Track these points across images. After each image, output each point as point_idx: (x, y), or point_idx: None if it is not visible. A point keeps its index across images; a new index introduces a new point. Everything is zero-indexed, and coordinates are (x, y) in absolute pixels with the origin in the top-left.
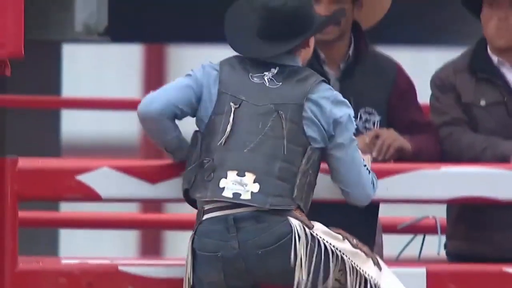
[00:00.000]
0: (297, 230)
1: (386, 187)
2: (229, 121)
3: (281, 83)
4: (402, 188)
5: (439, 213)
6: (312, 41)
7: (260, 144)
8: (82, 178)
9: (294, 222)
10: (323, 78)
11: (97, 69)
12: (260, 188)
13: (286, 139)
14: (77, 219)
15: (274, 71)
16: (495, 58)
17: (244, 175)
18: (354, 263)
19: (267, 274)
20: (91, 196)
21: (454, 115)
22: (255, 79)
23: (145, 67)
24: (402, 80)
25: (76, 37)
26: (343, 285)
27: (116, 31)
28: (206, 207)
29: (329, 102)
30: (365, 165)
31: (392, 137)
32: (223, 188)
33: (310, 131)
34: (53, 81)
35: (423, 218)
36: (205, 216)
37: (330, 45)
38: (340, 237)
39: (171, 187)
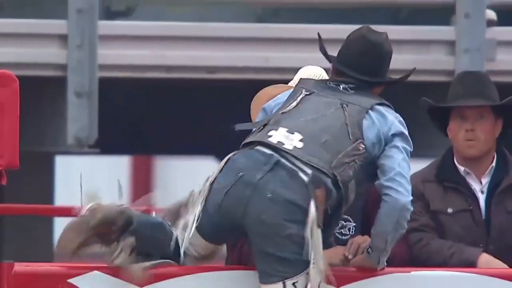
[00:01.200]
0: (310, 218)
1: None
2: (296, 100)
3: (353, 92)
4: None
5: None
6: (377, 93)
7: (316, 119)
8: (74, 281)
9: (313, 209)
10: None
11: (88, 178)
12: (303, 146)
13: (341, 123)
14: None
15: (351, 85)
16: (461, 168)
17: (293, 133)
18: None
19: (256, 219)
20: None
21: (423, 221)
22: (331, 84)
23: (133, 176)
24: (376, 189)
25: (68, 149)
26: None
27: (106, 143)
28: (254, 144)
29: (393, 117)
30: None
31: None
32: (271, 135)
33: (368, 131)
34: (47, 190)
35: None
36: (256, 147)
37: None
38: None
39: None
